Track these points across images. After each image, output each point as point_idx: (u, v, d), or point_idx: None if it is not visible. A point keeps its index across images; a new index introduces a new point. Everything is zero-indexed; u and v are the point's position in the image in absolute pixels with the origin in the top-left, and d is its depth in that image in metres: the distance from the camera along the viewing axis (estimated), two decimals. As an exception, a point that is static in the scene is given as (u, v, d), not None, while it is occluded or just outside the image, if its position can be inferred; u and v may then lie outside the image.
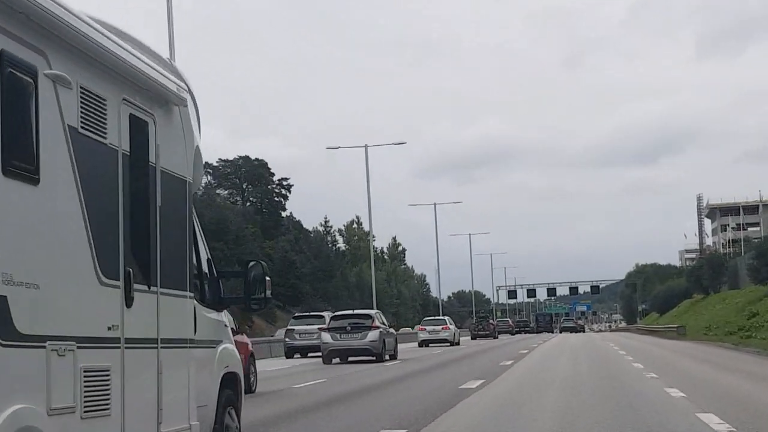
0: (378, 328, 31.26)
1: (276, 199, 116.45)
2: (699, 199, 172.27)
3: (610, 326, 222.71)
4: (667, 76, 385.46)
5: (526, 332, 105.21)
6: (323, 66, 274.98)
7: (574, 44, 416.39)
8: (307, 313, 47.95)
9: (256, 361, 22.11)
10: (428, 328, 53.10)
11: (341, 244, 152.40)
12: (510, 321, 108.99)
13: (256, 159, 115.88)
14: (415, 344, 53.38)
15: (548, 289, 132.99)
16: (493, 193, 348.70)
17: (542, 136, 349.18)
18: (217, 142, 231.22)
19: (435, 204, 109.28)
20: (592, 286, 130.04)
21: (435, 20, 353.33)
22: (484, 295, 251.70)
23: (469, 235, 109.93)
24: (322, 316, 42.23)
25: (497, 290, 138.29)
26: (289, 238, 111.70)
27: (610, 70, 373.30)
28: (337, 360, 31.80)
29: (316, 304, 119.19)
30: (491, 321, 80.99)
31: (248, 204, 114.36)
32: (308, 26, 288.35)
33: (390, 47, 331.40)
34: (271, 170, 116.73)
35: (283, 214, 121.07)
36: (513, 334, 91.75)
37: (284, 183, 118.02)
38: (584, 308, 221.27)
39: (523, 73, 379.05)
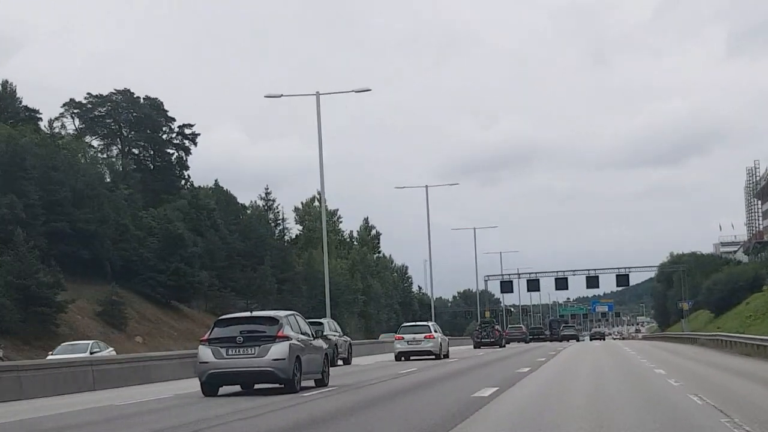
0: (287, 338, 20.17)
1: (170, 151, 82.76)
2: (752, 171, 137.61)
3: (637, 330, 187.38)
4: (694, 75, 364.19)
5: (540, 340, 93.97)
6: (340, 67, 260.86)
7: (598, 43, 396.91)
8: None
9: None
10: (407, 336, 41.55)
11: (293, 225, 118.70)
12: (524, 327, 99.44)
13: (146, 97, 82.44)
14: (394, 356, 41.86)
15: (557, 280, 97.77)
16: (514, 195, 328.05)
17: (566, 137, 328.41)
18: (235, 143, 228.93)
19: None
20: (618, 276, 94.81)
21: (456, 20, 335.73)
22: (493, 295, 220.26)
23: (426, 187, 75.65)
24: (321, 323, 36.46)
25: (486, 280, 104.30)
26: (179, 206, 77.99)
27: (636, 70, 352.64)
28: (237, 388, 21.23)
29: (226, 300, 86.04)
30: (497, 327, 70.24)
31: (130, 158, 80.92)
32: (324, 28, 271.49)
33: (410, 48, 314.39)
34: (168, 113, 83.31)
35: (186, 174, 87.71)
36: (527, 342, 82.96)
37: (186, 132, 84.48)
38: (606, 308, 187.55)
39: (547, 73, 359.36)
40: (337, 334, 38.86)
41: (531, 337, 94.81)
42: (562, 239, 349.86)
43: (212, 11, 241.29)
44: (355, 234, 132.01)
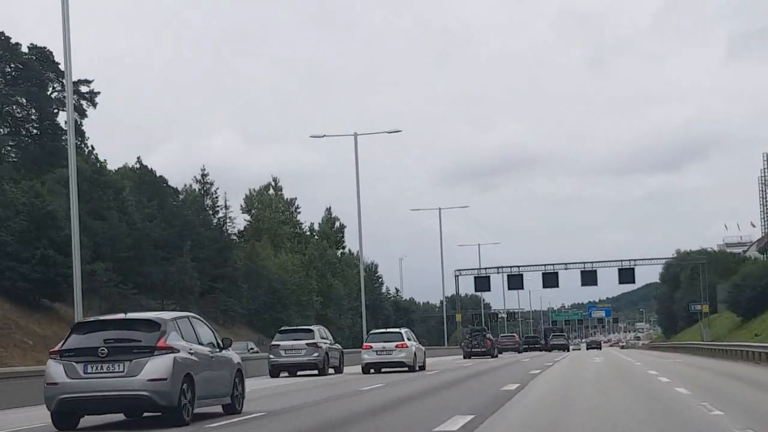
0: (171, 350, 15.58)
1: (56, 110, 65.64)
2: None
3: (637, 338, 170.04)
4: (694, 79, 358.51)
5: (536, 349, 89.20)
6: (338, 70, 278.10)
7: (598, 48, 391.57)
8: (295, 327, 41.70)
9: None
10: (375, 345, 36.53)
11: (239, 213, 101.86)
12: (516, 336, 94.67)
13: (32, 45, 65.51)
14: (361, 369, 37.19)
15: (545, 276, 80.00)
16: (511, 200, 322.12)
17: (564, 142, 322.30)
18: (233, 145, 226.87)
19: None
20: (621, 271, 76.45)
21: (455, 23, 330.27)
22: (483, 299, 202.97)
23: (355, 134, 57.96)
24: (311, 330, 37.06)
25: (457, 276, 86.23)
26: (60, 177, 60.88)
27: (636, 75, 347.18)
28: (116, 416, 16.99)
29: (131, 300, 69.21)
30: (488, 336, 66.02)
31: (5, 120, 63.73)
32: (323, 29, 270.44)
33: (408, 51, 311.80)
34: (58, 64, 66.18)
35: (89, 144, 70.49)
36: (519, 352, 79.51)
37: (82, 90, 67.41)
38: (603, 314, 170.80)
39: (546, 78, 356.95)
40: (328, 341, 37.24)
41: (525, 346, 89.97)
42: (555, 239, 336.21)
43: (210, 10, 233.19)
44: (316, 226, 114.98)
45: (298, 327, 39.91)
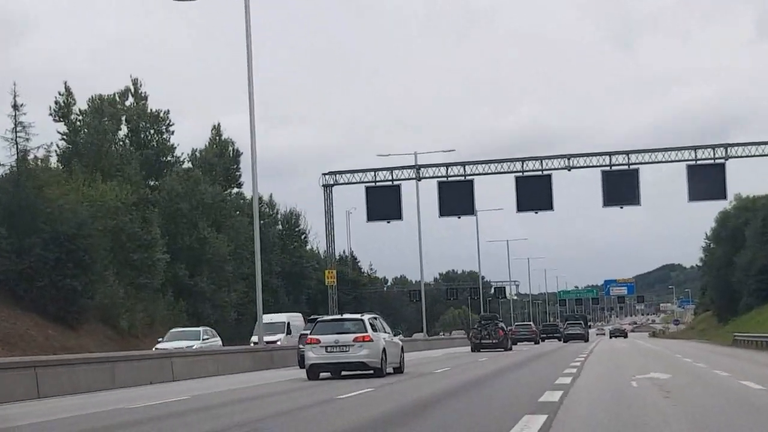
0: None
1: None
2: None
3: (676, 322, 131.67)
4: (722, 58, 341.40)
5: (555, 338, 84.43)
6: (357, 52, 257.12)
7: (623, 26, 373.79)
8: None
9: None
10: (325, 338, 26.26)
11: (48, 121, 64.26)
12: (533, 326, 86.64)
13: None
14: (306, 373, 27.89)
15: (519, 181, 38.33)
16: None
17: (586, 123, 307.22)
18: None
19: None
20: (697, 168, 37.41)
21: (476, 2, 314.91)
22: (483, 277, 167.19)
23: None
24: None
25: (328, 187, 48.39)
26: None
27: (661, 54, 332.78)
28: None
29: None
30: (501, 325, 58.41)
31: None
32: (341, 12, 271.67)
33: (428, 31, 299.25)
34: None
35: None
36: (537, 343, 73.67)
37: None
38: (624, 291, 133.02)
39: (569, 57, 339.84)
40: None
41: (544, 335, 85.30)
42: (578, 226, 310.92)
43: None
44: (198, 152, 76.93)
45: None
